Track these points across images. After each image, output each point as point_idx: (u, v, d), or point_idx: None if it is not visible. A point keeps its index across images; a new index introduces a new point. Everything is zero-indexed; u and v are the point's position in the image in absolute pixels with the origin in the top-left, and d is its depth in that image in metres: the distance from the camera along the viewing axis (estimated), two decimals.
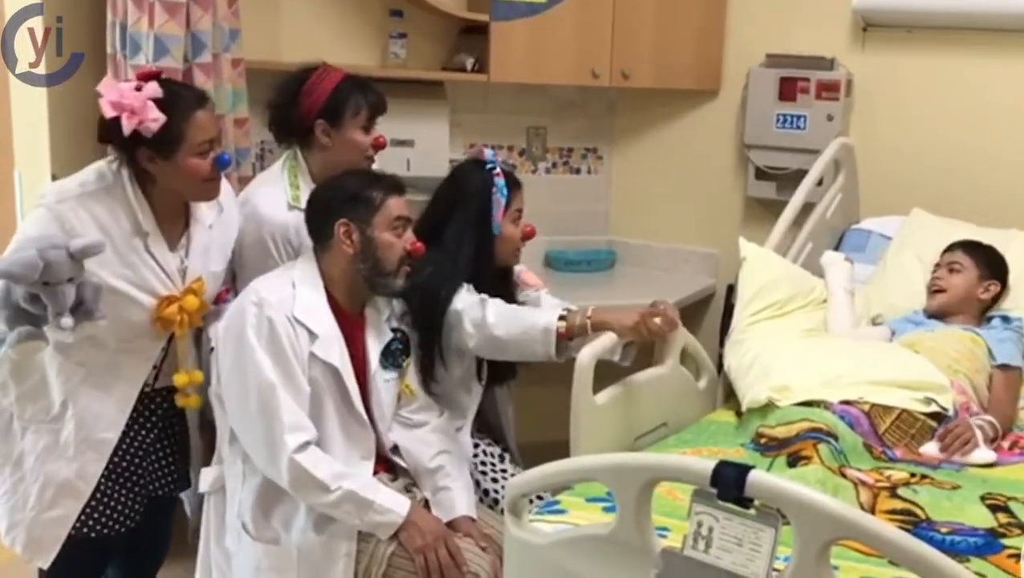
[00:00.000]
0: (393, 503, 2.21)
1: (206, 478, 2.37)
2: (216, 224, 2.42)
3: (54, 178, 2.84)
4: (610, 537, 1.70)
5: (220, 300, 2.47)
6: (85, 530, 2.36)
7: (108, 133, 2.18)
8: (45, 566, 2.37)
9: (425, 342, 2.45)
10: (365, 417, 2.29)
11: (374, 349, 2.34)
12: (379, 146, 2.61)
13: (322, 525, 2.21)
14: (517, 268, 2.72)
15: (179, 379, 2.37)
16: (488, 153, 2.57)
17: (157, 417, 2.45)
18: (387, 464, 2.38)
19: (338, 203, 2.27)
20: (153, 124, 2.13)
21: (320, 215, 2.30)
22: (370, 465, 2.30)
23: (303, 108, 2.51)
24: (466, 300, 2.41)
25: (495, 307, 2.40)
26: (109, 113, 2.12)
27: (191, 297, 2.32)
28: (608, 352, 2.43)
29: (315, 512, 2.20)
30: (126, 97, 2.12)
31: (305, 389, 2.19)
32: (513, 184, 2.56)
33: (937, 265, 2.93)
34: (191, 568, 2.45)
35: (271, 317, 2.16)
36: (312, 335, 2.21)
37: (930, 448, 2.44)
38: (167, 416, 2.47)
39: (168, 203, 2.30)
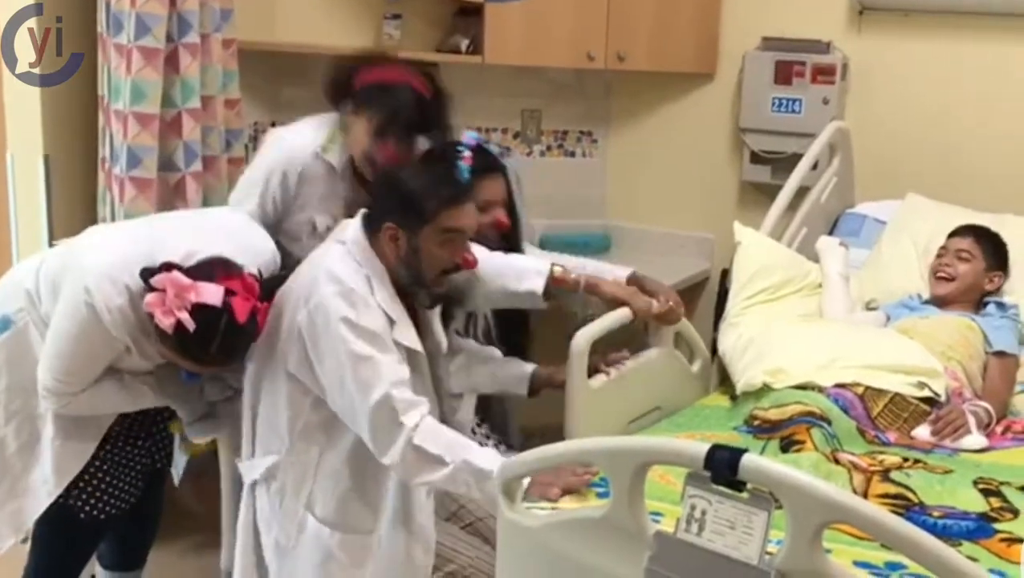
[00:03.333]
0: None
1: (257, 467, 2.24)
2: None
3: (46, 160, 2.83)
4: (604, 520, 1.70)
5: None
6: (85, 512, 2.37)
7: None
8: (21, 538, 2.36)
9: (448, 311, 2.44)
10: (436, 397, 2.25)
11: (438, 327, 2.31)
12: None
13: (407, 520, 2.17)
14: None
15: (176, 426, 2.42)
16: (467, 136, 2.41)
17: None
18: None
19: (392, 203, 2.17)
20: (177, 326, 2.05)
21: (375, 206, 2.22)
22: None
23: (355, 80, 2.48)
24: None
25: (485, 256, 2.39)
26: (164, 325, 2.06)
27: None
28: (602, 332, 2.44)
29: (400, 506, 2.16)
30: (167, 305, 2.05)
31: (405, 369, 2.13)
32: (482, 170, 2.41)
33: (943, 249, 2.91)
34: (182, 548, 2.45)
35: (356, 302, 2.09)
36: (391, 321, 2.14)
37: (922, 432, 2.45)
38: None
39: None
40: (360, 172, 2.54)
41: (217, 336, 2.06)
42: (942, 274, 2.86)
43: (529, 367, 2.53)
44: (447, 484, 2.08)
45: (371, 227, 2.19)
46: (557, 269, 2.44)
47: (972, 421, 2.44)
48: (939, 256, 2.90)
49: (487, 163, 2.52)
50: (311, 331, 2.10)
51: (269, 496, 2.22)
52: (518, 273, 2.44)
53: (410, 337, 2.18)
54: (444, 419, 2.29)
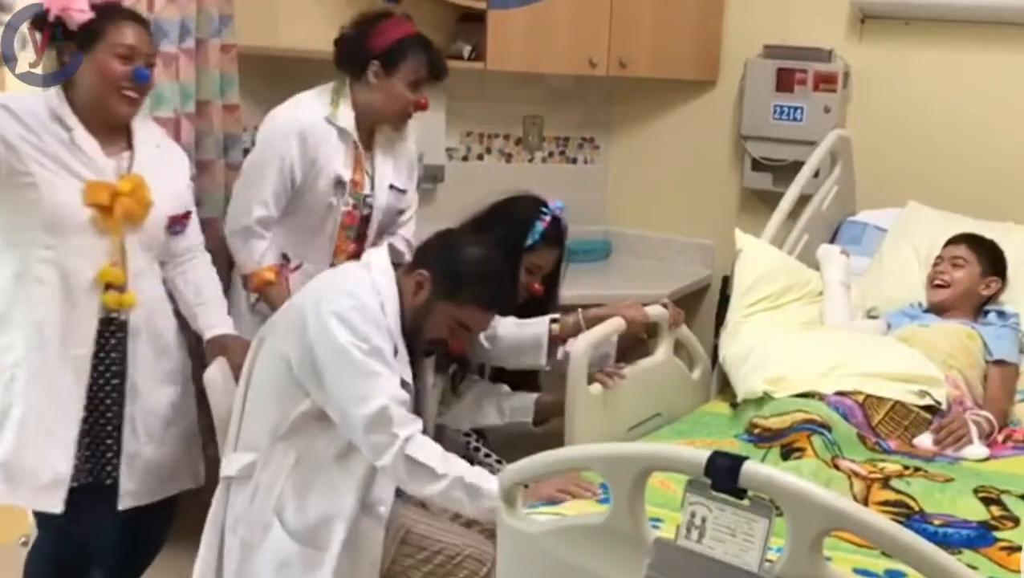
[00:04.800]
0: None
1: (234, 463, 2.27)
2: (164, 147, 2.49)
3: None
4: (604, 526, 1.70)
5: (179, 221, 2.48)
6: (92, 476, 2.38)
7: (38, 24, 2.29)
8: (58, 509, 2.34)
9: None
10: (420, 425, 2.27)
11: (429, 366, 2.36)
12: (421, 107, 2.69)
13: (354, 540, 2.17)
14: None
15: (104, 275, 2.32)
16: (555, 204, 2.58)
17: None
18: None
19: (441, 264, 2.23)
20: (77, 15, 2.24)
21: (426, 253, 2.30)
22: None
23: (367, 44, 2.65)
24: None
25: (504, 324, 2.50)
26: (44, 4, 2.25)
27: (124, 182, 2.32)
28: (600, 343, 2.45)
29: (353, 520, 2.17)
30: None
31: (405, 393, 2.17)
32: (550, 241, 2.55)
33: (939, 258, 2.92)
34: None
35: (369, 319, 2.14)
36: (394, 348, 2.19)
37: (924, 440, 2.45)
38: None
39: (92, 112, 2.32)
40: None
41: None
42: (938, 281, 2.87)
43: (533, 396, 2.57)
44: (441, 500, 2.11)
45: (412, 264, 2.27)
46: (554, 328, 2.53)
47: (974, 431, 2.44)
48: (935, 264, 2.92)
49: (556, 234, 2.59)
50: (320, 337, 2.12)
51: (243, 494, 2.24)
52: (520, 351, 2.54)
53: (404, 370, 2.22)
54: None
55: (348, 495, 2.17)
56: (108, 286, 2.33)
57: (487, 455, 2.66)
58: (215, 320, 2.54)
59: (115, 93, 2.31)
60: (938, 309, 2.87)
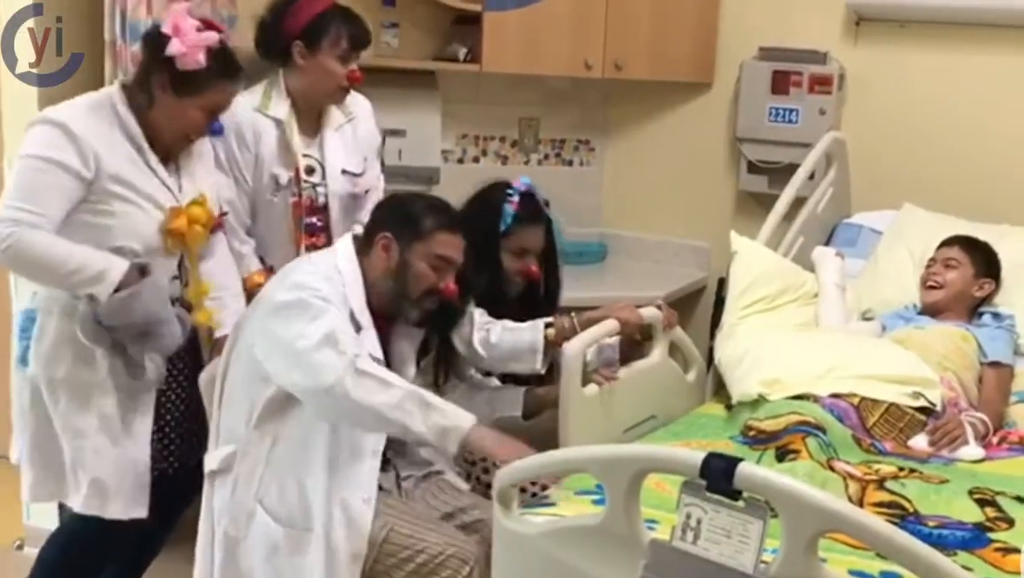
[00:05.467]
0: (457, 410, 2.13)
1: (215, 457, 2.28)
2: (204, 153, 2.52)
3: None
4: (599, 528, 1.70)
5: (218, 226, 2.51)
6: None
7: (153, 41, 2.30)
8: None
9: (441, 353, 2.50)
10: None
11: (404, 354, 2.34)
12: (353, 79, 2.65)
13: (341, 521, 2.17)
14: None
15: (192, 292, 2.42)
16: (521, 181, 2.57)
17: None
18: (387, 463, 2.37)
19: (392, 216, 2.27)
20: (193, 64, 2.26)
21: (374, 220, 2.31)
22: (377, 461, 2.23)
23: (285, 27, 2.61)
24: (476, 321, 2.49)
25: (482, 327, 2.48)
26: (166, 29, 2.27)
27: (196, 207, 2.39)
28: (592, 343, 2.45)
29: (328, 497, 2.16)
30: (187, 28, 2.25)
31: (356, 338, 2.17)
32: (527, 220, 2.54)
33: (932, 260, 2.92)
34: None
35: (327, 298, 2.14)
36: (359, 326, 2.20)
37: (919, 441, 2.45)
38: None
39: (154, 134, 2.36)
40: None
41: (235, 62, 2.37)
42: (931, 283, 2.88)
43: (521, 389, 2.57)
44: (391, 410, 2.05)
45: (366, 239, 2.27)
46: (549, 333, 2.50)
47: (969, 432, 2.44)
48: (928, 266, 2.92)
49: (533, 211, 2.58)
50: (271, 310, 2.16)
51: (225, 487, 2.25)
52: (516, 357, 2.51)
53: (374, 347, 2.21)
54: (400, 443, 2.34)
55: (320, 474, 2.17)
56: (176, 301, 2.40)
57: (483, 458, 2.63)
58: (224, 319, 2.54)
59: (183, 139, 2.38)
60: (932, 311, 2.87)
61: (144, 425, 2.41)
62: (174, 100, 2.30)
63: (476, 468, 2.57)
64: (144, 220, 2.32)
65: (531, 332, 2.51)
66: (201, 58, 2.26)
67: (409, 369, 2.35)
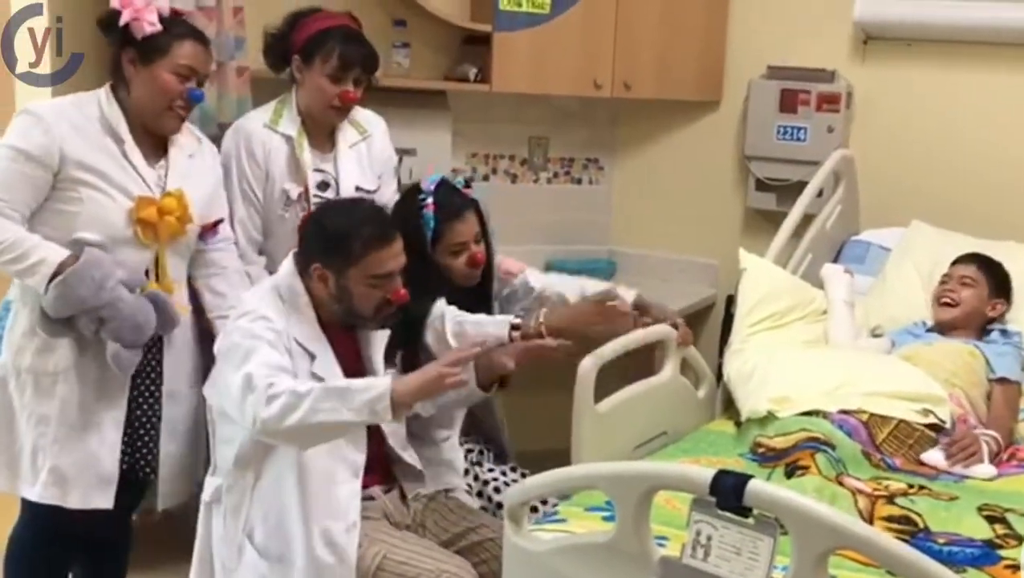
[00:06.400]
0: (368, 380, 2.12)
1: (208, 487, 2.30)
2: (196, 155, 2.50)
3: None
4: (609, 545, 1.71)
5: (209, 230, 2.51)
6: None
7: (106, 22, 2.33)
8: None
9: (407, 357, 2.43)
10: (363, 431, 2.24)
11: (376, 356, 2.32)
12: (346, 100, 2.64)
13: (325, 552, 2.17)
14: (497, 259, 2.67)
15: (160, 286, 2.38)
16: (427, 181, 2.47)
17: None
18: (384, 475, 2.36)
19: (319, 245, 2.20)
20: (147, 26, 2.29)
21: (302, 249, 2.25)
22: (357, 484, 2.23)
23: (291, 39, 2.63)
24: (434, 313, 2.41)
25: (454, 320, 2.40)
26: (114, 3, 2.30)
27: (169, 199, 2.37)
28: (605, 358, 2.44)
29: (321, 528, 2.16)
30: None
31: (286, 361, 2.13)
32: (450, 215, 2.45)
33: (947, 276, 2.92)
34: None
35: (258, 335, 2.12)
36: (311, 356, 2.19)
37: (935, 456, 2.45)
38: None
39: (140, 122, 2.38)
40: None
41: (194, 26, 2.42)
42: (945, 300, 2.87)
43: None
44: (315, 416, 1.99)
45: (303, 263, 2.23)
46: (515, 336, 2.38)
47: (984, 450, 2.44)
48: (942, 283, 2.92)
49: (456, 203, 2.50)
50: (219, 359, 2.17)
51: (218, 518, 2.26)
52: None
53: (333, 372, 2.20)
54: (382, 448, 2.33)
55: (294, 505, 2.17)
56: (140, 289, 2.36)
57: (490, 469, 2.63)
58: None
59: (168, 109, 2.36)
60: (944, 328, 2.87)
61: (113, 417, 2.38)
62: (145, 71, 2.32)
63: (488, 487, 2.58)
64: (112, 208, 2.31)
65: (498, 328, 2.40)
66: (153, 18, 2.29)
67: (385, 369, 2.33)
